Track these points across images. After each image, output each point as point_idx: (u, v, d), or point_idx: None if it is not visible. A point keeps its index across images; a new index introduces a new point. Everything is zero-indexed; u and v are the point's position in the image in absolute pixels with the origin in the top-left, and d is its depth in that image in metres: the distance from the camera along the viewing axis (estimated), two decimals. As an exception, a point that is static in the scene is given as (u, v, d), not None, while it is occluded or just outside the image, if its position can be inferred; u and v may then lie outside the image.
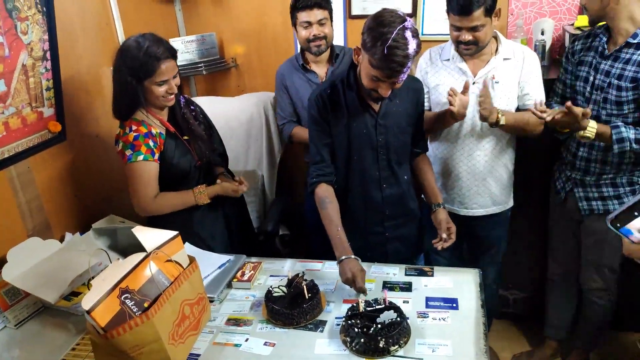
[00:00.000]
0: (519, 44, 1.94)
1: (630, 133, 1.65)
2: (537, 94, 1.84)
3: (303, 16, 2.08)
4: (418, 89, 1.71)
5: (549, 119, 1.62)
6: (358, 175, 1.70)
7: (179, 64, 2.49)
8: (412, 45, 1.38)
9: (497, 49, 1.83)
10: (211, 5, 2.65)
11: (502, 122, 1.74)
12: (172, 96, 1.69)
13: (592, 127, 1.65)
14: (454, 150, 1.92)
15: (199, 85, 2.82)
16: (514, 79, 1.83)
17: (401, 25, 1.37)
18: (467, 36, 1.72)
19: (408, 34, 1.38)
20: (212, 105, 2.45)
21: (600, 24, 1.77)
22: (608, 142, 1.69)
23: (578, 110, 1.59)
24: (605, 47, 1.74)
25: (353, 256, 1.51)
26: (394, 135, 1.65)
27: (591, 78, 1.77)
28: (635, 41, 1.65)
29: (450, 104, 1.68)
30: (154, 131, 1.69)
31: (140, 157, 1.65)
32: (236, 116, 2.50)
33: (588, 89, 1.78)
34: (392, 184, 1.72)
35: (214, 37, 2.63)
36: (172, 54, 1.64)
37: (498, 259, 2.13)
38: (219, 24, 2.68)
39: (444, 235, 1.61)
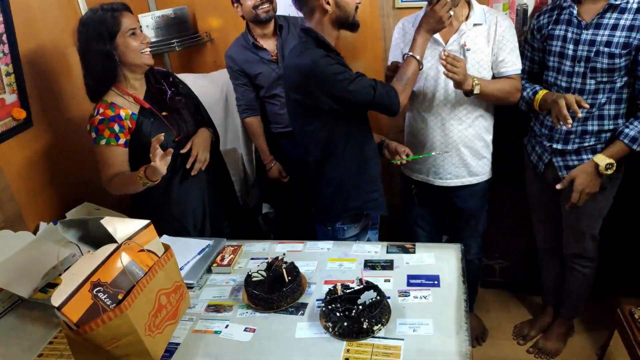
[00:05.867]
0: (492, 9, 1.88)
1: (632, 130, 1.67)
2: (512, 60, 1.79)
3: None
4: None
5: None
6: None
7: (151, 40, 2.43)
8: None
9: (468, 15, 1.78)
10: (180, -24, 2.53)
11: (477, 90, 1.70)
12: (149, 52, 1.68)
13: (609, 162, 1.69)
14: (427, 120, 1.89)
15: (173, 62, 2.71)
16: (486, 46, 1.78)
17: None
18: None
19: None
20: (187, 83, 2.37)
21: None
22: (626, 152, 1.70)
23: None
24: (578, 17, 1.68)
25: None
26: None
27: (569, 52, 1.72)
28: (617, 2, 1.59)
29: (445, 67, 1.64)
30: (122, 113, 1.67)
31: (103, 142, 1.65)
32: (212, 93, 2.42)
33: (568, 63, 1.73)
34: None
35: (186, 10, 2.52)
36: (127, 6, 1.67)
37: (479, 231, 2.11)
38: (190, -4, 2.56)
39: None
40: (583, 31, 1.67)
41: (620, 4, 1.59)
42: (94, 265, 1.19)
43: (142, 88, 1.75)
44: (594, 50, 1.65)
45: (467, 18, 1.78)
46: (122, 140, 1.67)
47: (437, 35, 1.77)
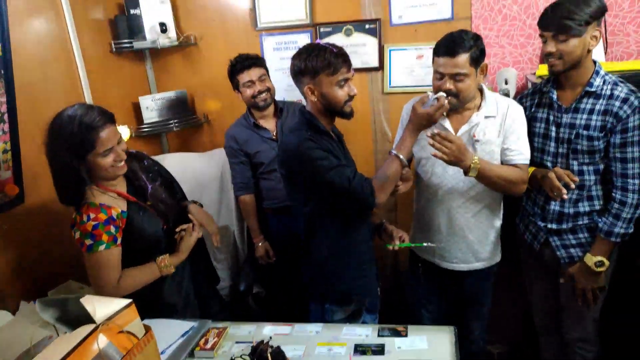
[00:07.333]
0: (504, 97, 1.86)
1: (618, 227, 1.71)
2: (519, 149, 1.74)
3: (244, 77, 2.21)
4: None
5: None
6: None
7: (150, 121, 2.53)
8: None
9: (480, 105, 1.75)
10: (182, 62, 2.68)
11: (472, 174, 1.64)
12: (123, 163, 1.57)
13: (597, 259, 1.73)
14: (433, 207, 1.87)
15: (171, 141, 2.80)
16: (497, 137, 1.75)
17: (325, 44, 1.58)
18: (449, 84, 1.64)
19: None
20: (183, 162, 2.43)
21: (541, 76, 1.85)
22: (611, 246, 1.75)
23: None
24: (558, 102, 1.76)
25: None
26: None
27: (552, 133, 1.78)
28: (592, 89, 1.68)
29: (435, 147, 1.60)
30: (114, 213, 1.55)
31: (102, 247, 1.52)
32: (207, 172, 2.46)
33: (552, 144, 1.79)
34: None
35: (185, 93, 2.64)
36: (109, 118, 1.52)
37: (483, 313, 2.03)
38: (190, 80, 2.70)
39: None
40: (563, 115, 1.75)
41: (596, 90, 1.68)
42: (68, 348, 1.13)
43: (122, 184, 1.66)
44: (574, 132, 1.72)
45: (479, 108, 1.75)
46: (119, 240, 1.57)
47: (447, 124, 1.76)
